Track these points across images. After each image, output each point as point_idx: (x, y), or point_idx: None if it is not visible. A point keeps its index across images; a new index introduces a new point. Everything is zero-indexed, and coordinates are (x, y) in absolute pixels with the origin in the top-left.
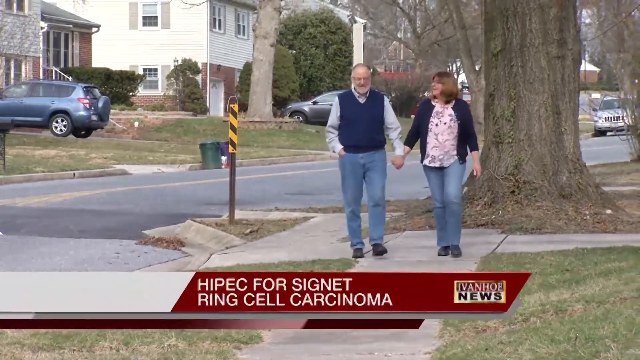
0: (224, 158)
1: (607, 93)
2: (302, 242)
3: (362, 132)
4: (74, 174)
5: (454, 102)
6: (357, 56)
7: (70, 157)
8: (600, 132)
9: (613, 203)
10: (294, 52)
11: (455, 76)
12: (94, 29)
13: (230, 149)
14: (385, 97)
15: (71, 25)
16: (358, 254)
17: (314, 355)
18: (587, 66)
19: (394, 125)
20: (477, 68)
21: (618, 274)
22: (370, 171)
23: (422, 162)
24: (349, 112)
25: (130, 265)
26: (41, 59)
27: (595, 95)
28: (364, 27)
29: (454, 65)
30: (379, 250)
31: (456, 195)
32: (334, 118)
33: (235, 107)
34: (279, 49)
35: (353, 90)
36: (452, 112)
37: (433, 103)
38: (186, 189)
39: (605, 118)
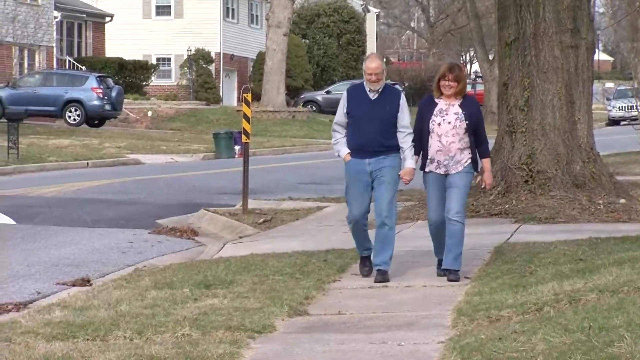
0: (237, 147)
1: (620, 82)
2: (315, 232)
3: (370, 134)
4: (87, 163)
5: (462, 98)
6: (370, 45)
7: (83, 146)
8: (614, 122)
9: (627, 192)
10: (307, 41)
11: (469, 65)
12: (108, 19)
13: (244, 138)
14: (402, 94)
15: (84, 15)
16: (364, 272)
17: (327, 345)
18: (600, 55)
19: (408, 129)
20: (490, 57)
21: (632, 264)
22: (377, 181)
23: (422, 169)
24: (357, 109)
25: (143, 255)
26: (54, 49)
27: (609, 84)
28: (377, 17)
29: (467, 54)
30: (380, 280)
31: (458, 211)
32: (340, 114)
33: (249, 97)
34: (292, 38)
35: (365, 83)
36: (458, 110)
37: (436, 100)
38: (199, 179)
39: (619, 107)
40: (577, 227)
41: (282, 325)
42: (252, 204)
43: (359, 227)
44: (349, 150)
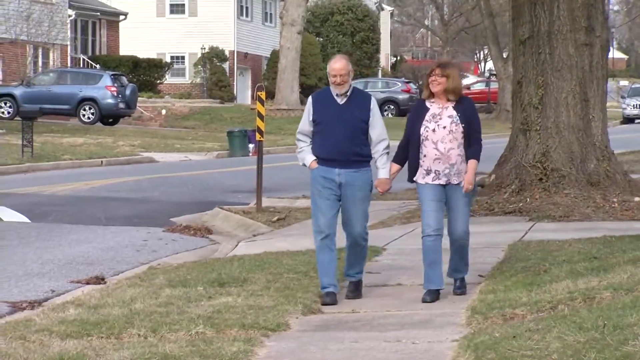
0: (251, 146)
1: (635, 80)
2: None
3: (340, 142)
4: (101, 161)
5: (456, 100)
6: (384, 44)
7: (97, 144)
8: (629, 120)
9: None
10: (321, 39)
11: (483, 63)
12: (122, 17)
13: (258, 136)
14: (373, 98)
15: (99, 13)
16: (328, 300)
17: (341, 343)
18: (615, 53)
19: (381, 136)
20: (504, 55)
21: None
22: (347, 198)
23: (410, 180)
24: (324, 115)
25: (157, 253)
26: (69, 47)
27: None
28: (391, 15)
29: (482, 52)
30: (352, 297)
31: (466, 230)
32: (304, 122)
33: (263, 95)
34: (306, 36)
35: (331, 87)
36: (452, 112)
37: (428, 105)
38: (213, 177)
39: (634, 105)
40: (591, 225)
41: (296, 323)
42: (266, 202)
43: (325, 244)
44: (314, 158)
